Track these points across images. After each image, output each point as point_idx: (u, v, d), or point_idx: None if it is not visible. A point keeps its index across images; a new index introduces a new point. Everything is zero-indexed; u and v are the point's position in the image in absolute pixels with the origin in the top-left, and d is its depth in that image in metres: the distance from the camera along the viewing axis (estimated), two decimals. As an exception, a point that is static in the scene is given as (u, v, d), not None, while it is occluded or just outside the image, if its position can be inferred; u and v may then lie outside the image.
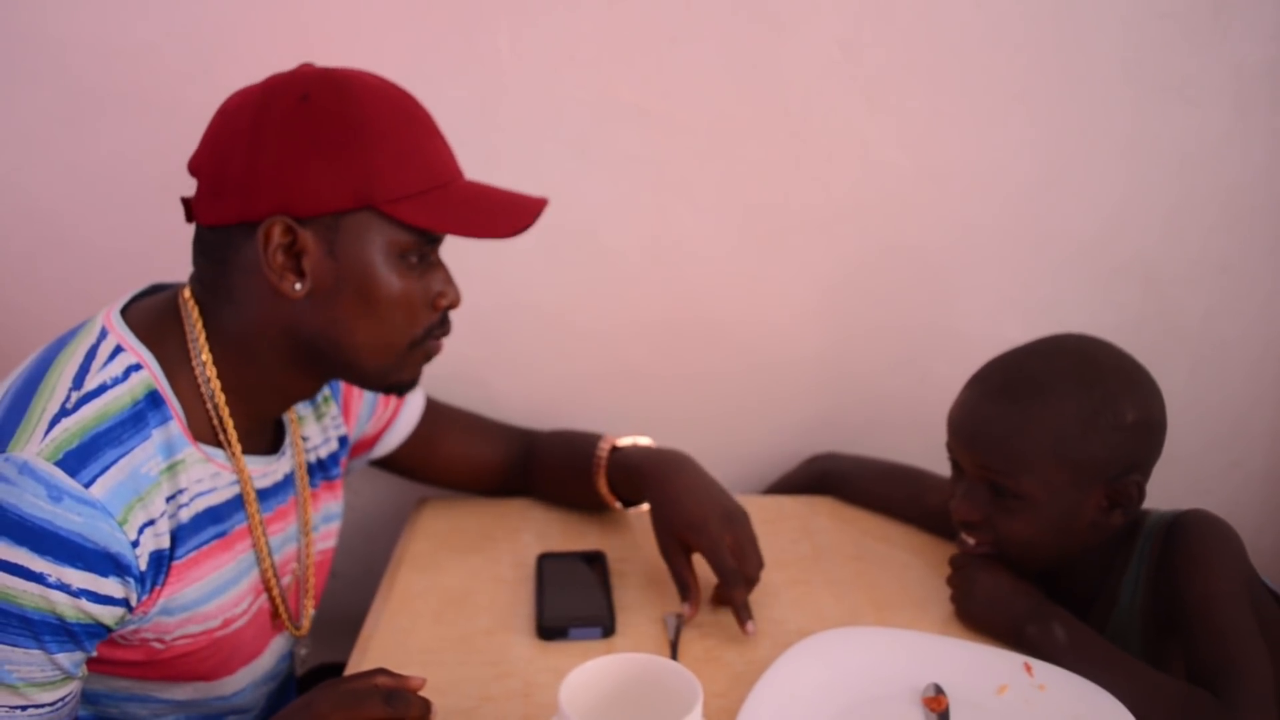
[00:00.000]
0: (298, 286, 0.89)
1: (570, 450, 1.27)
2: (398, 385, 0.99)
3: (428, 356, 0.99)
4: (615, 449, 1.22)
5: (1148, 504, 1.06)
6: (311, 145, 0.87)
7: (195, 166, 0.92)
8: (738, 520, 1.08)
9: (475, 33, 1.29)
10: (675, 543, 1.09)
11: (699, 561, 1.09)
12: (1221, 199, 1.40)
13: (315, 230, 0.88)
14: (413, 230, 0.90)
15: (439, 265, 0.97)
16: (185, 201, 0.94)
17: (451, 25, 1.28)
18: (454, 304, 0.97)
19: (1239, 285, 1.45)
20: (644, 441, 1.24)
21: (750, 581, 1.06)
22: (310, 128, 0.87)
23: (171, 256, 1.26)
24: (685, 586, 1.08)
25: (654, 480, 1.14)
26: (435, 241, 0.94)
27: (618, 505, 1.24)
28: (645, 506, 1.23)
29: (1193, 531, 1.03)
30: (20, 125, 1.31)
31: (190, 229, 0.95)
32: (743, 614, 1.04)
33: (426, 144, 0.92)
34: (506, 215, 0.94)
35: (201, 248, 0.94)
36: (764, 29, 1.30)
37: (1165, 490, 1.10)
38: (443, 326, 0.98)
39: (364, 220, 0.89)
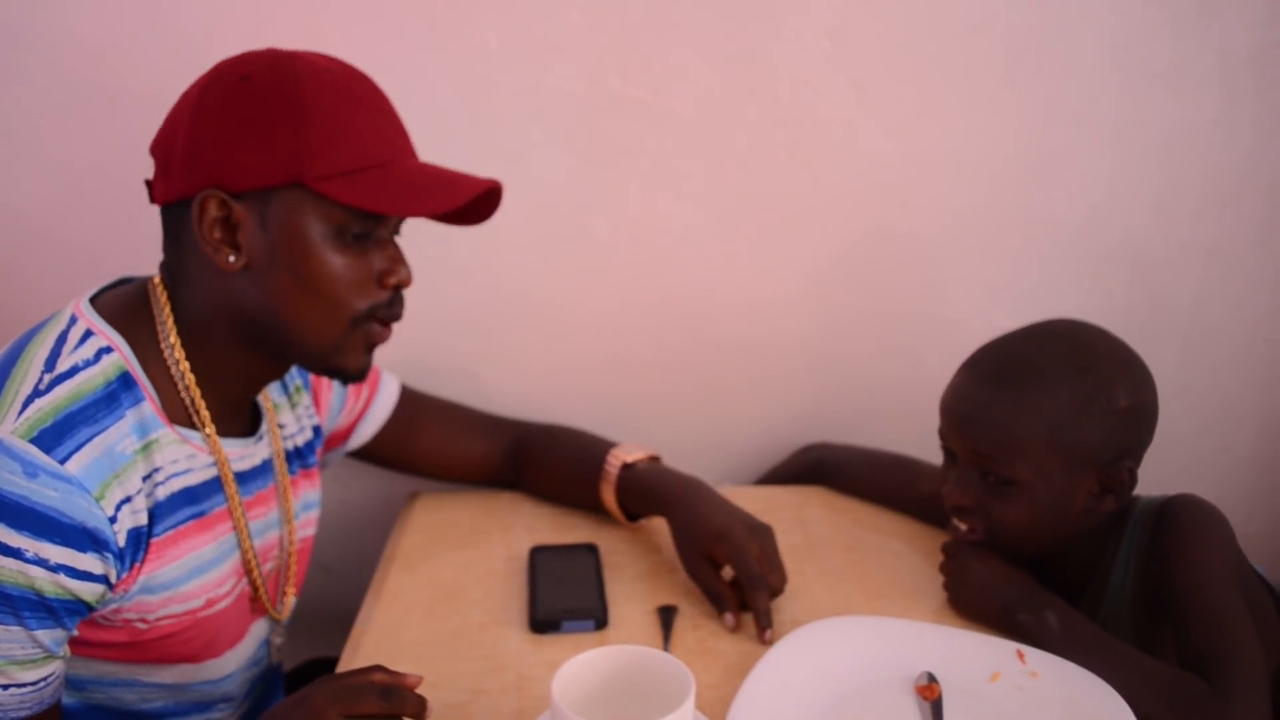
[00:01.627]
0: (232, 259, 0.90)
1: (576, 454, 1.26)
2: (341, 369, 0.97)
3: (370, 341, 0.97)
4: (627, 465, 1.21)
5: (1138, 489, 1.06)
6: (245, 122, 0.88)
7: (153, 149, 0.94)
8: (763, 532, 1.09)
9: (463, 25, 1.28)
10: (702, 557, 1.09)
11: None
12: (1209, 184, 1.41)
13: (248, 205, 0.89)
14: (346, 208, 0.90)
15: (387, 243, 0.96)
16: (148, 183, 0.95)
17: (439, 18, 1.28)
18: (403, 282, 0.96)
19: (1227, 270, 1.45)
20: (649, 455, 1.23)
21: (774, 592, 1.07)
22: (246, 105, 0.88)
23: (160, 252, 1.26)
24: (719, 599, 1.07)
25: (675, 500, 1.14)
26: (376, 220, 0.93)
27: (622, 518, 1.23)
28: (648, 521, 1.24)
29: (1182, 517, 1.03)
30: (8, 121, 1.30)
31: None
32: (763, 620, 1.04)
33: (367, 123, 0.91)
34: (441, 193, 0.92)
35: (164, 228, 0.95)
36: (752, 18, 1.29)
37: (1155, 475, 1.10)
38: (391, 308, 0.97)
39: (296, 196, 0.89)
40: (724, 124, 1.34)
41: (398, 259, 0.96)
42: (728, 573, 1.09)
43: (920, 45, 1.32)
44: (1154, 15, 1.32)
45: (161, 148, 0.92)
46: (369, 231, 0.93)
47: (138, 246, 1.32)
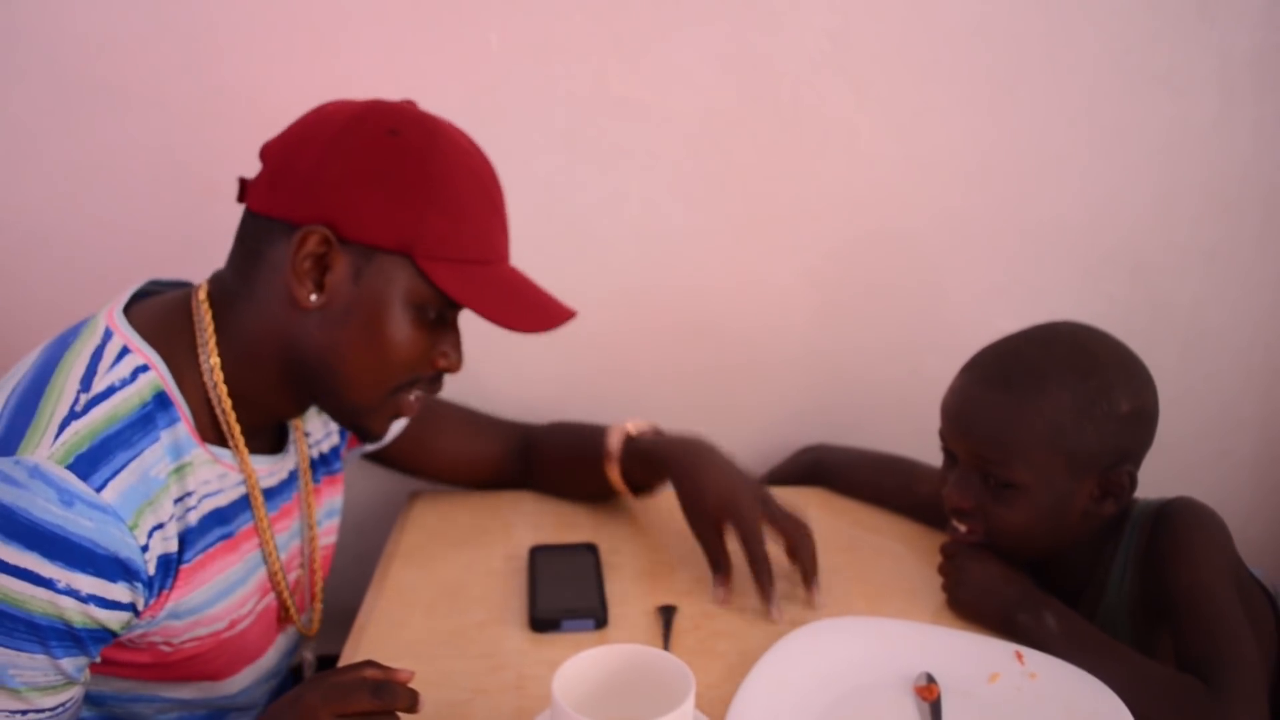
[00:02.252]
0: (313, 298, 0.90)
1: (576, 441, 1.27)
2: (365, 429, 0.98)
3: (398, 411, 0.98)
4: (630, 437, 1.22)
5: (1136, 492, 1.07)
6: (379, 177, 0.88)
7: (266, 152, 0.92)
8: (769, 501, 1.11)
9: (465, 27, 1.28)
10: (708, 521, 1.11)
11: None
12: (1208, 187, 1.41)
13: (349, 253, 0.89)
14: (441, 292, 0.91)
15: (453, 327, 0.98)
16: (243, 181, 0.94)
17: (441, 20, 1.28)
18: (452, 369, 0.98)
19: (1226, 273, 1.46)
20: (648, 427, 1.24)
21: (804, 533, 1.09)
22: (385, 161, 0.88)
23: (163, 250, 1.26)
24: (718, 562, 1.10)
25: (681, 463, 1.15)
26: (457, 306, 0.95)
27: (628, 493, 1.24)
28: (656, 494, 1.24)
29: (1179, 520, 1.03)
30: (10, 120, 1.30)
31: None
32: (768, 590, 1.06)
33: (486, 219, 0.93)
34: (532, 313, 0.95)
35: (242, 233, 0.94)
36: (754, 21, 1.30)
37: (1154, 478, 1.10)
38: (430, 385, 0.99)
39: (398, 263, 0.90)
40: (725, 126, 1.34)
41: (457, 345, 0.98)
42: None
43: (920, 47, 1.32)
44: (1154, 18, 1.32)
45: (278, 158, 0.91)
46: (447, 315, 0.95)
47: (138, 247, 1.33)
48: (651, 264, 1.41)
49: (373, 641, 1.05)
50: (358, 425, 0.97)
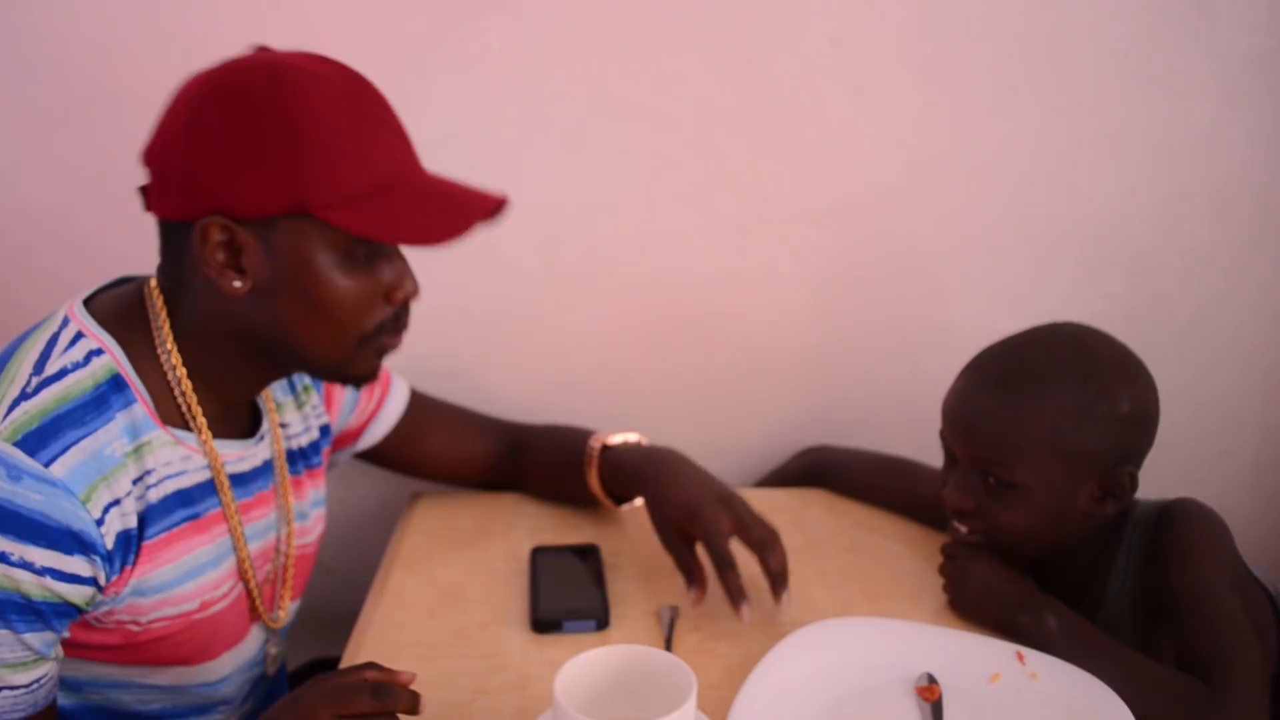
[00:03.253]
0: (237, 284, 0.88)
1: (561, 446, 1.27)
2: (353, 378, 0.97)
3: (381, 351, 0.97)
4: (606, 447, 1.22)
5: (1137, 493, 1.07)
6: (245, 148, 0.85)
7: (146, 156, 0.91)
8: (733, 502, 1.09)
9: (465, 28, 1.28)
10: (675, 532, 1.10)
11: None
12: (1210, 190, 1.41)
13: (252, 230, 0.87)
14: (349, 234, 0.88)
15: (394, 256, 0.94)
16: (142, 190, 0.92)
17: (441, 20, 1.28)
18: (410, 296, 0.95)
19: (1228, 275, 1.46)
20: (634, 438, 1.24)
21: (772, 539, 1.06)
22: (245, 129, 0.85)
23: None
24: (690, 572, 1.09)
25: (648, 475, 1.14)
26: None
27: (609, 502, 1.24)
28: (638, 503, 1.24)
29: (1180, 521, 1.03)
30: (10, 122, 1.30)
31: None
32: (737, 597, 1.03)
33: (371, 141, 0.89)
34: (450, 218, 0.90)
35: (161, 238, 0.94)
36: (754, 23, 1.30)
37: (1156, 480, 1.10)
38: (398, 321, 0.96)
39: (301, 223, 0.87)
40: (725, 128, 1.35)
41: (404, 273, 0.94)
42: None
43: (921, 50, 1.32)
44: (1154, 21, 1.32)
45: (156, 160, 0.89)
46: (378, 248, 0.92)
47: (138, 247, 1.32)
48: (651, 265, 1.41)
49: (374, 643, 1.05)
50: (343, 378, 0.97)
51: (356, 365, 0.95)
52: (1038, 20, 1.32)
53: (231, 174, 0.85)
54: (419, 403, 1.28)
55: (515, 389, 1.44)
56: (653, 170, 1.36)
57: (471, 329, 1.42)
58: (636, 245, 1.40)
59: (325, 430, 1.15)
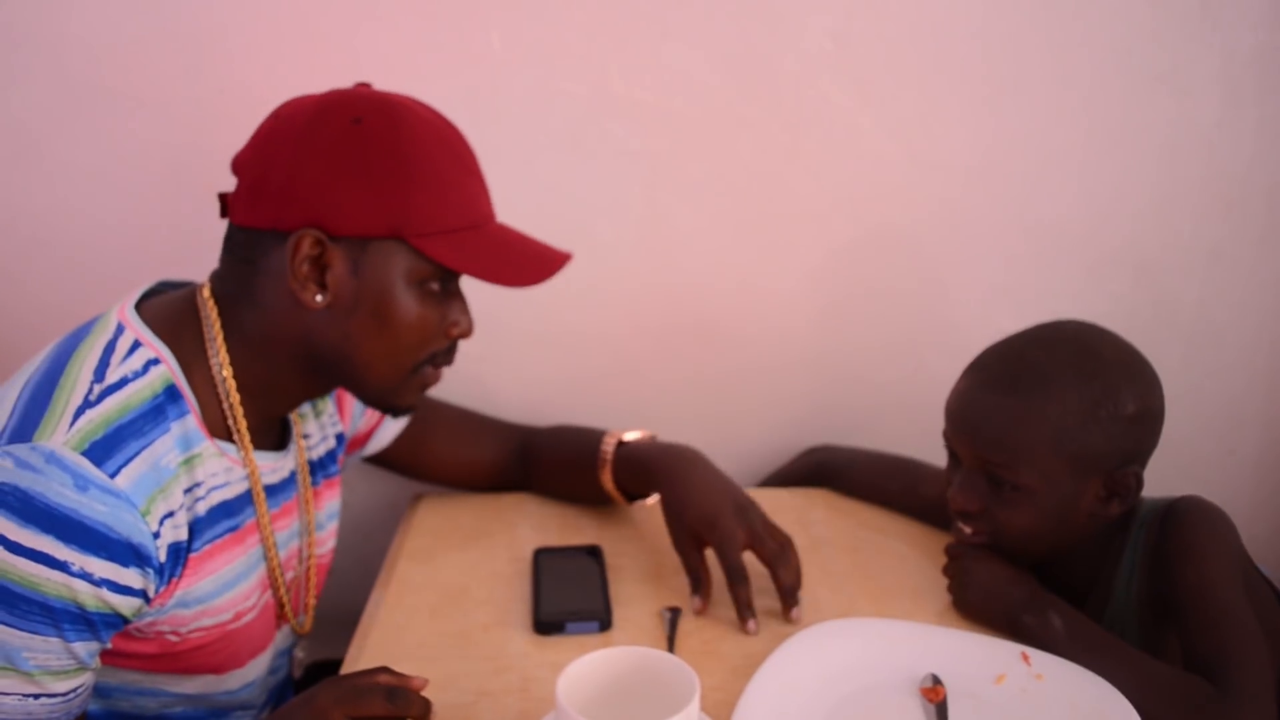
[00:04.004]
0: (318, 298, 0.91)
1: (573, 445, 1.27)
2: (394, 407, 1.01)
3: (425, 384, 1.01)
4: (622, 443, 1.22)
5: (1142, 491, 1.06)
6: (355, 168, 0.89)
7: (239, 165, 0.94)
8: (750, 511, 1.09)
9: (467, 27, 1.28)
10: (688, 536, 1.10)
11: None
12: (1212, 186, 1.41)
13: (344, 248, 0.90)
14: (436, 265, 0.93)
15: (457, 294, 1.00)
16: (222, 197, 0.95)
17: (443, 19, 1.28)
18: (465, 334, 1.00)
19: (1230, 272, 1.45)
20: (646, 436, 1.24)
21: (786, 553, 1.07)
22: (357, 151, 0.89)
23: (166, 252, 1.26)
24: (697, 579, 1.09)
25: (666, 474, 1.14)
26: (457, 275, 0.97)
27: (622, 500, 1.24)
28: (649, 501, 1.24)
29: (1186, 519, 1.02)
30: (13, 122, 1.30)
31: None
32: (745, 611, 1.05)
33: (465, 183, 0.95)
34: (529, 266, 0.97)
35: (230, 245, 0.95)
36: (756, 21, 1.29)
37: (1160, 478, 1.10)
38: (447, 355, 1.01)
39: (392, 247, 0.91)
40: (727, 126, 1.34)
41: (465, 311, 1.00)
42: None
43: (923, 47, 1.32)
44: (1157, 18, 1.32)
45: (252, 170, 0.92)
46: (449, 284, 0.97)
47: (139, 247, 1.33)
48: (654, 264, 1.41)
49: (377, 644, 1.05)
50: (387, 405, 1.01)
51: (402, 393, 0.99)
52: (1041, 18, 1.31)
53: (337, 191, 0.89)
54: (427, 407, 1.28)
55: (517, 390, 1.44)
56: (654, 169, 1.36)
57: (475, 331, 1.42)
58: (638, 245, 1.40)
59: (340, 438, 1.17)
